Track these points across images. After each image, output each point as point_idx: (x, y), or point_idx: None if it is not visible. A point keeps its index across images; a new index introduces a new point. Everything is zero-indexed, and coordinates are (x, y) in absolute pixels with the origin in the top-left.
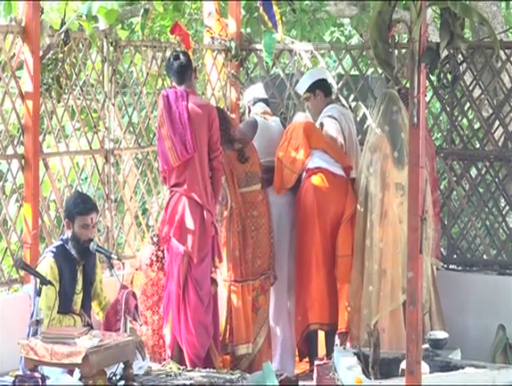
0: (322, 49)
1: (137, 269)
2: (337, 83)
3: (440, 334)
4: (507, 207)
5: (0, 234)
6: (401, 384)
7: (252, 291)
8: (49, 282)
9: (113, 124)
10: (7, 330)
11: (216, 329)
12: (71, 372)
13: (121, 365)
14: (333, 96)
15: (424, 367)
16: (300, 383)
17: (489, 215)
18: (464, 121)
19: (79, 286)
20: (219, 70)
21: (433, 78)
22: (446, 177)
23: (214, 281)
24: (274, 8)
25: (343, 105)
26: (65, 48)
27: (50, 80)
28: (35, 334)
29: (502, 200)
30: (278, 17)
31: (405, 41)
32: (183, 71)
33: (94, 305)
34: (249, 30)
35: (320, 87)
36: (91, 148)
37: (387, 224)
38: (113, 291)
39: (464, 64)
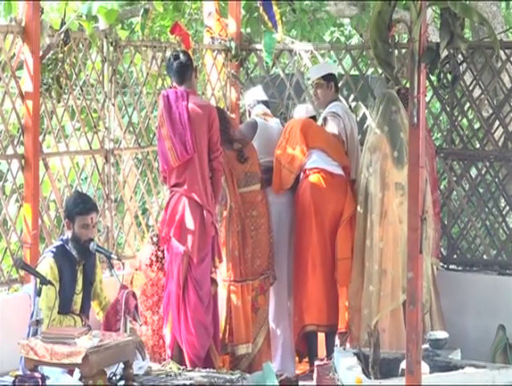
0: (322, 49)
1: (137, 269)
2: None
3: (440, 334)
4: (507, 207)
5: (0, 234)
6: (401, 384)
7: (251, 291)
8: (49, 282)
9: (113, 124)
10: (7, 330)
11: (217, 329)
12: (71, 372)
13: (121, 365)
14: None
15: (424, 367)
16: (300, 383)
17: (489, 215)
18: (464, 121)
19: (79, 286)
20: (219, 70)
21: (433, 78)
22: (446, 177)
23: (214, 281)
24: (274, 8)
25: None
26: (65, 48)
27: (50, 80)
28: (35, 334)
29: (502, 200)
30: (278, 17)
31: (405, 41)
32: (184, 70)
33: (94, 305)
34: (249, 30)
35: (335, 80)
36: (91, 148)
37: (387, 224)
38: (113, 291)
39: (464, 64)
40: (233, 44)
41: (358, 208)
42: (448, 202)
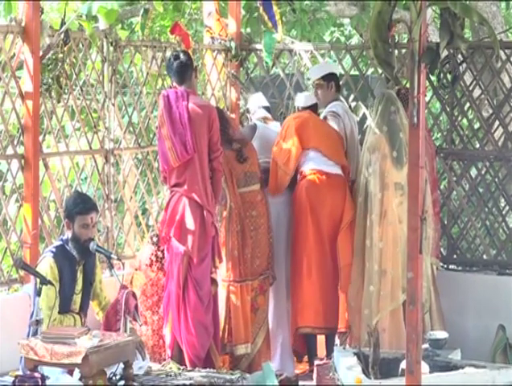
0: (322, 49)
1: (136, 269)
2: None
3: (440, 334)
4: (507, 207)
5: (0, 234)
6: (401, 384)
7: (251, 291)
8: (49, 282)
9: (113, 124)
10: (7, 330)
11: (217, 329)
12: (71, 372)
13: (121, 365)
14: None
15: (424, 367)
16: (300, 383)
17: (489, 215)
18: (464, 121)
19: (78, 286)
20: (219, 70)
21: (433, 78)
22: (446, 177)
23: (214, 282)
24: (274, 8)
25: None
26: (65, 48)
27: (50, 80)
28: (35, 334)
29: (502, 200)
30: (278, 17)
31: (405, 41)
32: (184, 70)
33: (94, 305)
34: (249, 30)
35: (335, 79)
36: (91, 148)
37: (387, 224)
38: (113, 291)
39: (464, 64)
40: (233, 44)
41: (358, 208)
42: (448, 202)
